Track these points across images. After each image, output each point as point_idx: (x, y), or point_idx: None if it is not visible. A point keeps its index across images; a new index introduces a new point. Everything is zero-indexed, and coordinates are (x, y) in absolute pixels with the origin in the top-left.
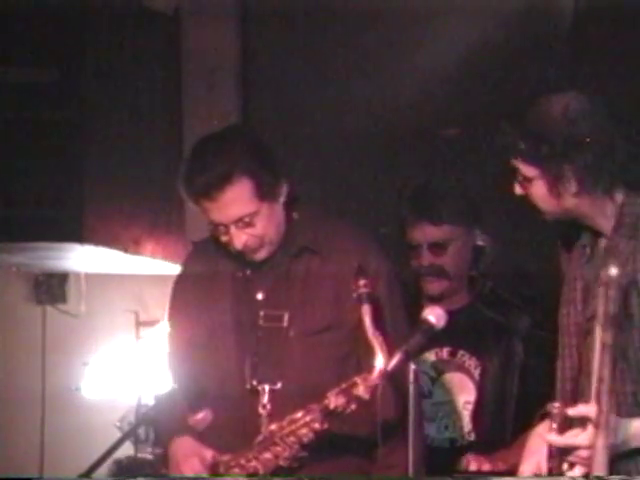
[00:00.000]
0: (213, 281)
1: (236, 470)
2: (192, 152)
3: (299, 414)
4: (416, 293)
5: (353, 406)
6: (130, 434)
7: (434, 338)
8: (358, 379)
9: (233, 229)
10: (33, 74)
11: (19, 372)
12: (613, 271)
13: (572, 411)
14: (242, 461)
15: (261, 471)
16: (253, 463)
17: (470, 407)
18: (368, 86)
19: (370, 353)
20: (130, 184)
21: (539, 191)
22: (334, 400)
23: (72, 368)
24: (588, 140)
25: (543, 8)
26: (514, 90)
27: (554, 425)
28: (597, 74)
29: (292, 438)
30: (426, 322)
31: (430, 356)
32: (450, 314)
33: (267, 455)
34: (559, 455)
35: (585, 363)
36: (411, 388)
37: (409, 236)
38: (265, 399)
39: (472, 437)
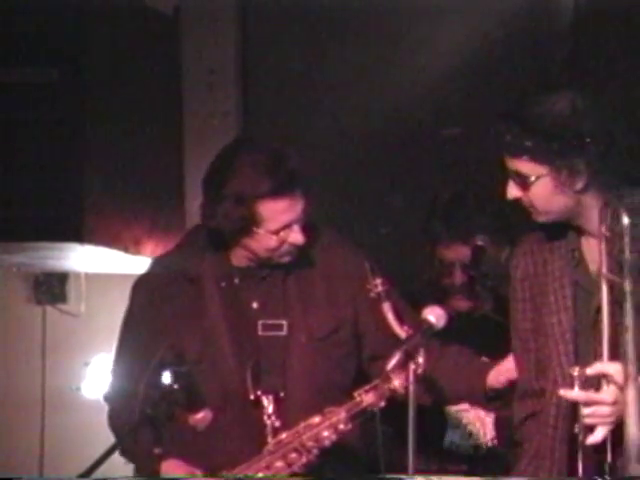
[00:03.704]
0: (194, 294)
1: None
2: (268, 154)
3: (316, 419)
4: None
5: (383, 403)
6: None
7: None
8: (391, 373)
9: (296, 227)
10: (33, 74)
11: (19, 372)
12: (625, 220)
13: (590, 370)
14: (250, 473)
15: None
16: (262, 474)
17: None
18: (368, 86)
19: (379, 343)
20: (130, 184)
21: (543, 190)
22: (365, 398)
23: (72, 368)
24: (596, 135)
25: (543, 8)
26: (514, 90)
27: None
28: (597, 74)
29: (311, 443)
30: (426, 322)
31: None
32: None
33: (279, 464)
34: (571, 417)
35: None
36: (411, 388)
37: (441, 254)
38: (270, 409)
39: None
